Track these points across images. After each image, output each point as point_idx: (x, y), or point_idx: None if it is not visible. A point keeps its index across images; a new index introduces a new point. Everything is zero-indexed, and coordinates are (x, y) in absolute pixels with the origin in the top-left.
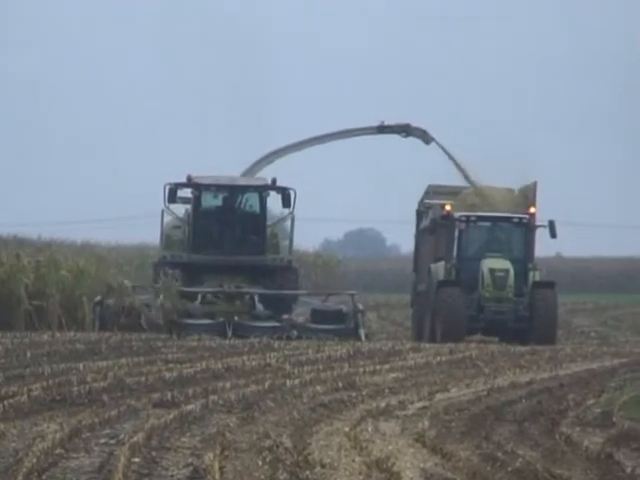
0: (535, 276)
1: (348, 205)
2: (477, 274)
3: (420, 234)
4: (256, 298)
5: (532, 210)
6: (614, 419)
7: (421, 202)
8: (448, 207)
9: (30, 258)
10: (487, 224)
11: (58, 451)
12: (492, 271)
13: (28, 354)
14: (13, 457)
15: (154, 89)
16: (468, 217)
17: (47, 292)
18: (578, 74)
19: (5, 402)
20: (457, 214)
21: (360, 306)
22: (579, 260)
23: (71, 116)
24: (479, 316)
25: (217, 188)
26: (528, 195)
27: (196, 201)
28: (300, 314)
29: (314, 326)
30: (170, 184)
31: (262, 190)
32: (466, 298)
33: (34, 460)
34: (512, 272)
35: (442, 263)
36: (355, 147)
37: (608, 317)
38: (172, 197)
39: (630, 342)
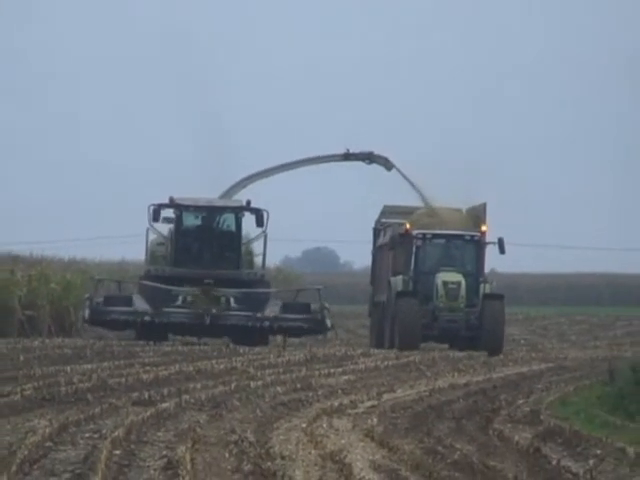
0: (486, 288)
1: (306, 226)
2: (432, 286)
3: (377, 250)
4: (232, 300)
5: (484, 228)
6: (541, 417)
7: (378, 221)
8: (408, 225)
9: (23, 273)
10: (442, 241)
11: (48, 444)
12: (445, 283)
13: (21, 358)
14: (7, 449)
15: (136, 118)
16: (424, 235)
17: (38, 303)
18: (539, 88)
19: (0, 400)
20: (415, 232)
21: (326, 304)
22: (511, 276)
23: (59, 141)
24: (433, 324)
25: (196, 209)
26: (477, 215)
27: (178, 220)
28: (272, 310)
29: (284, 316)
30: (154, 205)
31: (238, 211)
32: (422, 308)
33: (26, 452)
34: (464, 284)
35: (400, 276)
36: (311, 175)
37: (536, 326)
38: (156, 216)
39: (555, 349)
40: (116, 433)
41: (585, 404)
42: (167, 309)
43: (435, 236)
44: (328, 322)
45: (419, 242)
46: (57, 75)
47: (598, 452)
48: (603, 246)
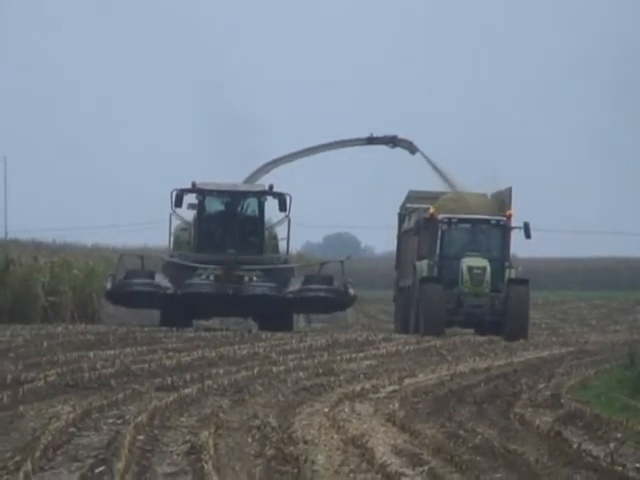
0: (511, 273)
1: (327, 212)
2: (457, 271)
3: (402, 235)
4: (254, 279)
5: (509, 213)
6: (562, 401)
7: (403, 206)
8: (432, 210)
9: (46, 259)
10: (467, 225)
11: (71, 430)
12: (470, 269)
13: (44, 344)
14: (31, 435)
15: (159, 105)
16: (450, 219)
17: (61, 289)
18: (559, 80)
19: (24, 386)
20: (440, 216)
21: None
22: (530, 260)
23: (81, 129)
24: (458, 310)
25: (219, 194)
26: (503, 199)
27: (200, 205)
28: (295, 285)
29: (307, 287)
30: (177, 190)
31: (260, 195)
32: (447, 293)
33: (50, 438)
34: (489, 269)
35: (425, 261)
36: (332, 161)
37: (556, 311)
38: (179, 202)
39: (576, 333)
40: (139, 418)
41: (605, 388)
42: (189, 281)
43: (460, 221)
44: (351, 292)
45: (444, 227)
46: (81, 63)
47: (619, 435)
48: (621, 230)
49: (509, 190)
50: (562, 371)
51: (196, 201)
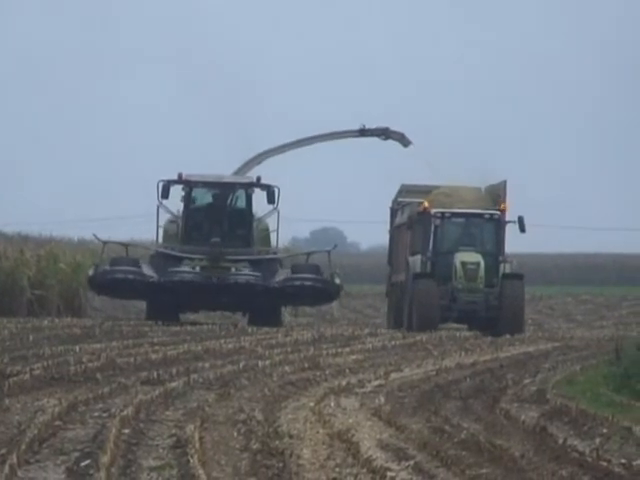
0: (505, 268)
1: (313, 206)
2: (450, 267)
3: (395, 230)
4: (243, 270)
5: (503, 206)
6: (548, 396)
7: (395, 200)
8: (425, 204)
9: (32, 253)
10: (461, 220)
11: (57, 423)
12: (464, 264)
13: (30, 337)
14: (17, 428)
15: (148, 94)
16: (443, 213)
17: (47, 283)
18: (556, 73)
19: (10, 380)
20: (433, 210)
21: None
22: (518, 256)
23: (67, 121)
24: (452, 306)
25: (205, 185)
26: (498, 193)
27: (187, 197)
28: (282, 275)
29: (293, 276)
30: (163, 181)
31: (247, 187)
32: (440, 289)
33: (35, 431)
34: (483, 265)
35: (419, 256)
36: (319, 156)
37: (543, 306)
38: (165, 193)
39: (562, 328)
40: (125, 412)
41: (591, 383)
42: (173, 269)
43: (454, 215)
44: (337, 281)
45: (437, 221)
46: (70, 57)
47: (604, 431)
48: (609, 226)
49: (504, 183)
50: (548, 366)
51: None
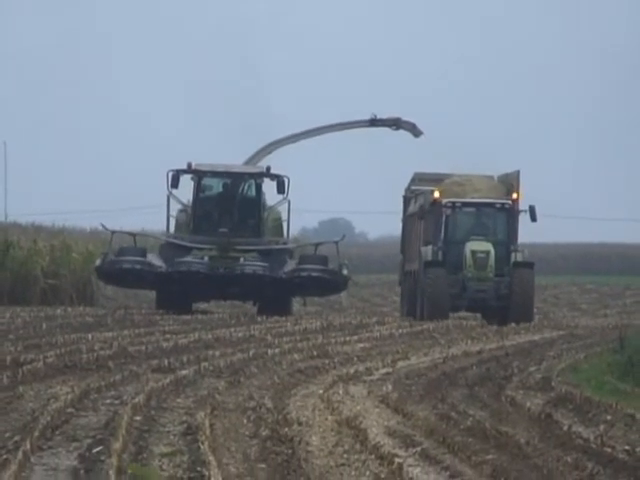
0: (517, 257)
1: (322, 197)
2: (461, 256)
3: (407, 218)
4: (251, 260)
5: (514, 196)
6: (553, 384)
7: (408, 189)
8: (436, 194)
9: (45, 243)
10: (472, 209)
11: (69, 410)
12: (474, 253)
13: (44, 326)
14: (30, 415)
15: (160, 86)
16: (454, 203)
17: (60, 272)
18: (567, 70)
19: (23, 368)
20: (444, 200)
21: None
22: (523, 246)
23: (80, 113)
24: (463, 294)
25: (215, 175)
26: (511, 182)
27: (196, 186)
28: (290, 266)
29: (301, 267)
30: (172, 170)
31: (257, 177)
32: (451, 278)
33: (48, 418)
34: (493, 254)
35: (430, 246)
36: (328, 146)
37: (548, 295)
38: (175, 183)
39: (567, 317)
40: (136, 399)
41: (595, 371)
42: (180, 259)
43: (465, 204)
44: (345, 272)
45: (448, 211)
46: (86, 49)
47: (608, 418)
48: (613, 217)
49: (517, 173)
50: (553, 354)
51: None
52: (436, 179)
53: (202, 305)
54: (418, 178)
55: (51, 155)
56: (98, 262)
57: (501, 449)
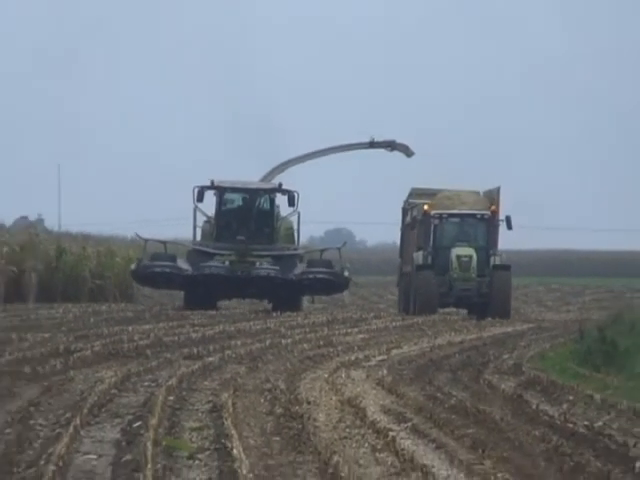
0: (495, 260)
1: (327, 210)
2: (448, 259)
3: (405, 227)
4: (265, 264)
5: (493, 208)
6: (523, 369)
7: (406, 202)
8: (426, 207)
9: (93, 249)
10: (456, 220)
11: (113, 391)
12: (459, 257)
13: (91, 320)
14: (80, 395)
15: (188, 114)
16: (441, 214)
17: (105, 274)
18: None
19: (74, 355)
20: (432, 212)
21: (347, 264)
22: (502, 251)
23: (117, 136)
24: (449, 293)
25: (234, 190)
26: (492, 197)
27: (219, 200)
28: (299, 269)
29: (308, 270)
30: (198, 187)
31: (271, 192)
32: (439, 279)
33: (95, 398)
34: (475, 257)
35: (421, 251)
36: (330, 166)
37: (519, 294)
38: (200, 197)
39: (535, 312)
40: (170, 382)
41: (559, 358)
42: (204, 263)
43: (450, 215)
44: (346, 274)
45: (436, 221)
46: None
47: (570, 398)
48: (574, 226)
49: (497, 189)
50: (523, 344)
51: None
52: (430, 193)
53: (225, 302)
54: (415, 193)
55: (98, 174)
56: (133, 266)
57: (479, 424)
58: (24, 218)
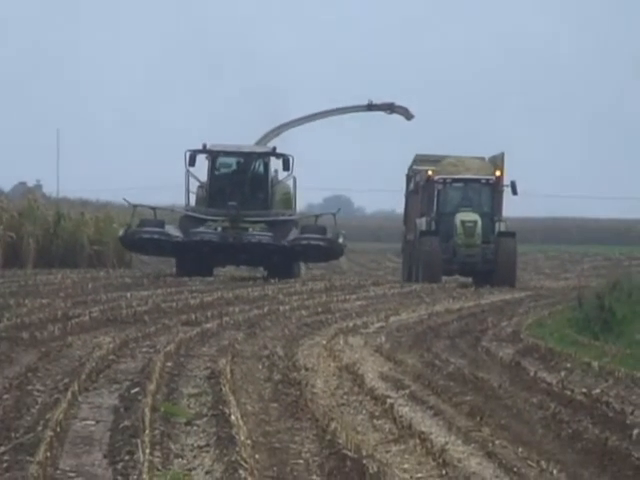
0: (500, 227)
1: (326, 176)
2: (452, 225)
3: (409, 194)
4: (258, 229)
5: (497, 173)
6: (521, 336)
7: (410, 168)
8: (430, 172)
9: (91, 215)
10: (460, 185)
11: (111, 357)
12: (463, 222)
13: (89, 286)
14: (78, 361)
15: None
16: (445, 179)
17: (104, 240)
18: (557, 52)
19: (72, 321)
20: (436, 177)
21: (342, 230)
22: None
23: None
24: (453, 260)
25: (227, 154)
26: (497, 162)
27: (211, 165)
28: (293, 235)
29: (301, 236)
30: (190, 150)
31: (264, 156)
32: (443, 245)
33: (93, 364)
34: (480, 223)
35: (425, 217)
36: (331, 134)
37: (518, 261)
38: (192, 161)
39: (533, 280)
40: (168, 348)
41: (558, 326)
42: (194, 230)
43: (454, 180)
44: (341, 240)
45: (440, 186)
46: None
47: (568, 365)
48: (574, 194)
49: (502, 154)
50: (522, 311)
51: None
52: (434, 160)
53: (222, 270)
54: (419, 159)
55: (96, 140)
56: (121, 232)
57: (477, 391)
58: (22, 184)
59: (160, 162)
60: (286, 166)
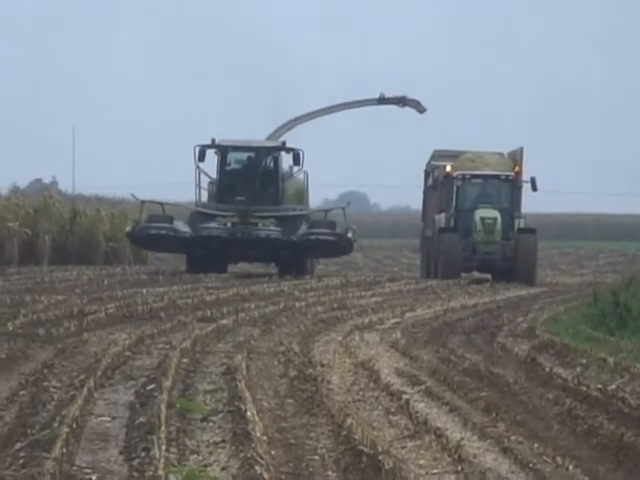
0: (520, 223)
1: (342, 173)
2: (471, 222)
3: (427, 190)
4: (267, 225)
5: (517, 169)
6: (537, 332)
7: (428, 164)
8: (449, 168)
9: (107, 212)
10: (479, 181)
11: (127, 354)
12: (483, 219)
13: (105, 282)
14: (94, 357)
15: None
16: (464, 175)
17: (119, 237)
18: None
19: (88, 317)
20: (455, 173)
21: (353, 225)
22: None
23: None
24: (473, 256)
25: (236, 149)
26: (516, 158)
27: (221, 160)
28: (302, 230)
29: (310, 231)
30: (199, 145)
31: (274, 151)
32: (462, 242)
33: (109, 360)
34: (499, 220)
35: (444, 214)
36: (346, 130)
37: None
38: (201, 156)
39: (549, 276)
40: (184, 344)
41: (573, 321)
42: (203, 225)
43: (473, 176)
44: (350, 235)
45: (459, 182)
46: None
47: (584, 361)
48: (589, 191)
49: (521, 149)
50: (537, 307)
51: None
52: (452, 155)
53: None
54: (437, 154)
55: (112, 137)
56: (128, 228)
57: (493, 387)
58: (38, 181)
59: (175, 160)
60: (296, 161)
